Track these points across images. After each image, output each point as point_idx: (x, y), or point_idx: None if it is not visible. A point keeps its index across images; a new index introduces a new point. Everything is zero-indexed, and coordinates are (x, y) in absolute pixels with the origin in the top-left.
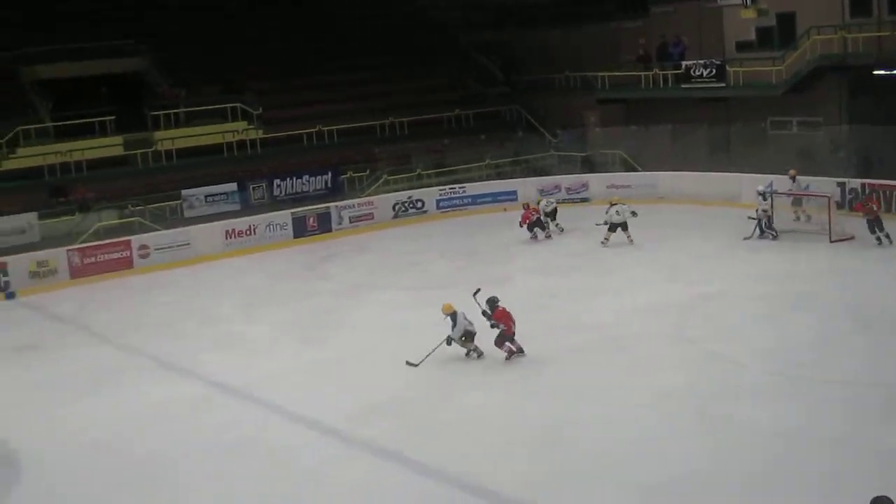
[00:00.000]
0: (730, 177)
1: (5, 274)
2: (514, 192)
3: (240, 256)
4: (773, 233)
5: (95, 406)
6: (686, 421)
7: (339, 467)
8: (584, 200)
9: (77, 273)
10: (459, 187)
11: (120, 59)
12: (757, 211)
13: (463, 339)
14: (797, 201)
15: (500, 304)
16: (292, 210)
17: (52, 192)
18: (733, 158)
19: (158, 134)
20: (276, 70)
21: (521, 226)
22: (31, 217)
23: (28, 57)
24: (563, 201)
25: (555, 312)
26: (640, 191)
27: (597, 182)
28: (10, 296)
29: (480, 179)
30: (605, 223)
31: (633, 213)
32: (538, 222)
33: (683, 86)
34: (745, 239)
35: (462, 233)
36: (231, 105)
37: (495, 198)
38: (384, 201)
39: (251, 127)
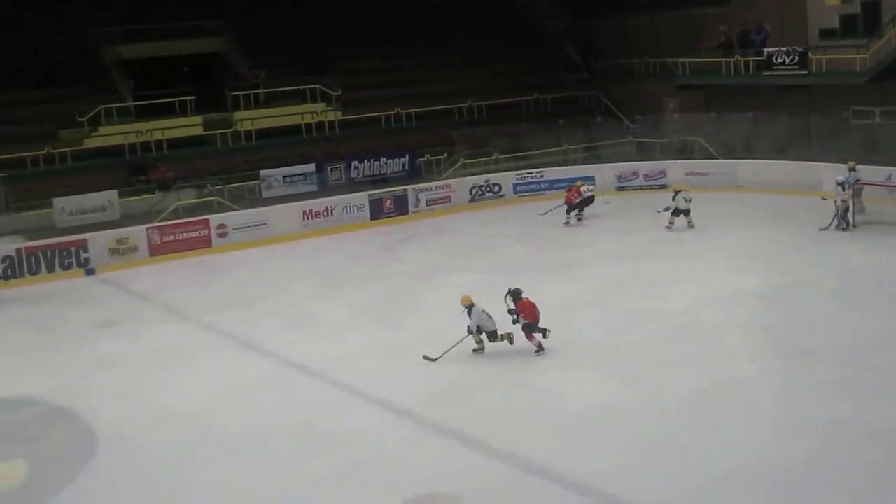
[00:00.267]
0: (810, 166)
1: (86, 251)
2: (592, 178)
3: (317, 237)
4: (845, 224)
5: (172, 382)
6: (758, 411)
7: (413, 449)
8: (662, 187)
9: (156, 251)
10: (537, 172)
11: (201, 39)
12: (836, 201)
13: (477, 331)
14: (857, 192)
15: (523, 295)
16: (369, 192)
17: (133, 171)
18: (814, 147)
19: (238, 114)
20: (355, 52)
21: (565, 205)
22: (111, 195)
23: (110, 37)
24: (641, 188)
25: (628, 300)
26: (719, 178)
27: (675, 169)
28: (90, 272)
29: (558, 164)
30: (667, 209)
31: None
32: (579, 205)
33: (765, 73)
34: (822, 229)
35: (538, 217)
36: (310, 86)
37: (572, 183)
38: (461, 185)
39: (330, 108)
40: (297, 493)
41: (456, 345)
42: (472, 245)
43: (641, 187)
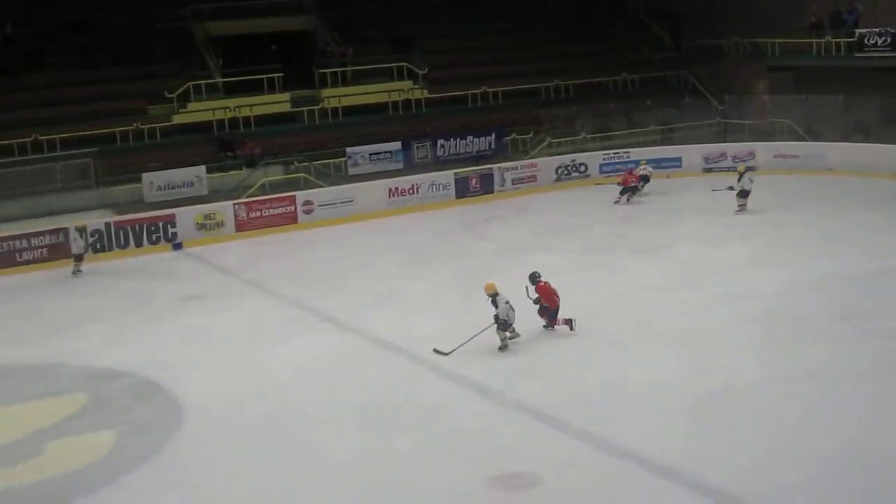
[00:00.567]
0: None
1: (173, 225)
2: (679, 159)
3: (402, 215)
4: None
5: (257, 356)
6: (841, 397)
7: (494, 427)
8: (750, 170)
9: (242, 226)
10: (623, 152)
11: (289, 17)
12: None
13: (503, 326)
14: None
15: (541, 278)
16: (455, 170)
17: (220, 147)
18: None
19: (325, 91)
20: (442, 31)
21: (619, 185)
22: (199, 170)
23: (200, 13)
24: (729, 170)
25: (710, 283)
26: (808, 161)
27: (764, 151)
28: (178, 247)
29: (645, 145)
30: (731, 188)
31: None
32: (633, 188)
33: (856, 55)
34: None
35: (624, 198)
36: (397, 64)
37: (658, 164)
38: (547, 164)
39: (417, 86)
40: (379, 469)
41: (471, 339)
42: (556, 224)
43: (729, 169)
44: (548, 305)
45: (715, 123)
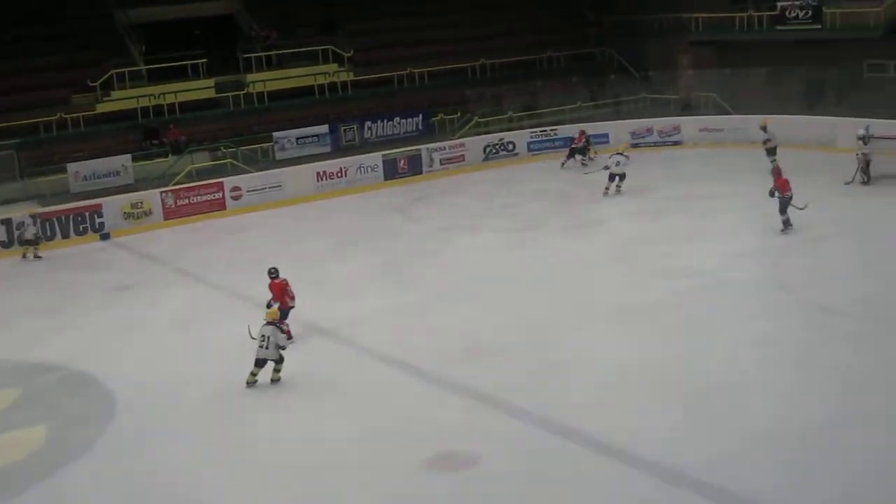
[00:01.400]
0: (826, 120)
1: (100, 215)
2: (606, 135)
3: (331, 198)
4: (866, 177)
5: (189, 345)
6: (781, 369)
7: (430, 409)
8: (676, 144)
9: (170, 214)
10: (551, 130)
11: (212, 1)
12: (857, 155)
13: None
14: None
15: (277, 276)
16: (383, 152)
17: (146, 135)
18: (829, 102)
19: (250, 76)
20: (367, 12)
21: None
22: (125, 159)
23: (122, 0)
24: (656, 144)
25: (647, 257)
26: (733, 134)
27: (689, 125)
28: (105, 237)
29: (572, 122)
30: (607, 167)
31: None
32: (581, 150)
33: (778, 28)
34: (847, 184)
35: (553, 175)
36: (322, 47)
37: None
38: (475, 143)
39: (342, 69)
40: (315, 454)
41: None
42: (486, 204)
43: (656, 144)
44: (281, 306)
45: (640, 99)
